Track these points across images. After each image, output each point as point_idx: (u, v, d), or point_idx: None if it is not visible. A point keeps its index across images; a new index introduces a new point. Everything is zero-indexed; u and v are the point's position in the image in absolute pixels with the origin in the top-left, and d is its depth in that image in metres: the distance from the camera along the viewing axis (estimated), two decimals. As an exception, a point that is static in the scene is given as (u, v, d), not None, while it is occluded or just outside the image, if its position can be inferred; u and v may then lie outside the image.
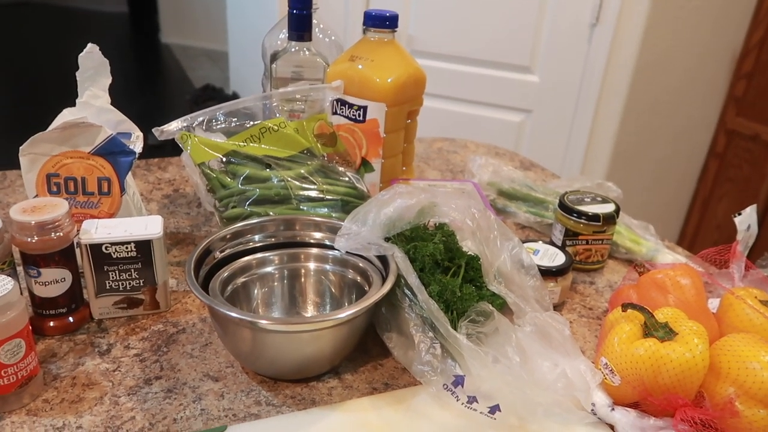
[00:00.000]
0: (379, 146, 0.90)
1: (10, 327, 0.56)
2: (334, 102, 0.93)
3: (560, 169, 2.12)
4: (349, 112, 0.91)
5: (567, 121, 2.04)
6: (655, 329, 0.61)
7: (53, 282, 0.67)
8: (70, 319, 0.70)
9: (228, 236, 0.71)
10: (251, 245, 0.72)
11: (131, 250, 0.69)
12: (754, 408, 0.56)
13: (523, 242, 0.83)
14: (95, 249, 0.68)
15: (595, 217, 0.86)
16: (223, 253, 0.70)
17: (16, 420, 0.58)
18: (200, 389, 0.63)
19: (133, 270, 0.71)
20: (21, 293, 0.59)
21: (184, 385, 0.64)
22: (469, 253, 0.71)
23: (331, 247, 0.73)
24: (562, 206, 0.89)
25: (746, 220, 0.73)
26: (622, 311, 0.64)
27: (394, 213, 0.68)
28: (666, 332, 0.60)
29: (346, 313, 0.60)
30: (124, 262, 0.70)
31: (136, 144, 0.80)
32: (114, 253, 0.69)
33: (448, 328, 0.58)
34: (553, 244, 0.84)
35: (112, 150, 0.76)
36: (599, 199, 0.91)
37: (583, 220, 0.87)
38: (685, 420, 0.57)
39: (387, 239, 0.70)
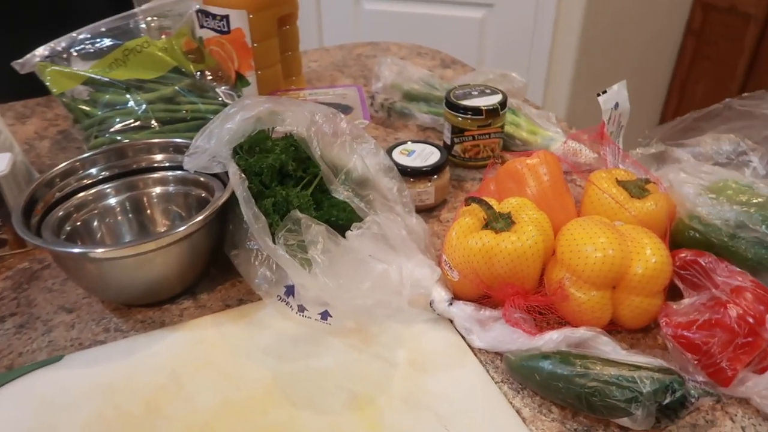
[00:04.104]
0: (249, 57, 0.86)
1: None
2: (198, 14, 0.87)
3: (527, 67, 2.02)
4: (214, 24, 0.86)
5: (530, 11, 1.92)
6: (494, 221, 0.59)
7: None
8: (-67, 264, 0.70)
9: (56, 179, 0.67)
10: (86, 182, 0.69)
11: (-23, 191, 0.68)
12: (584, 289, 0.55)
13: (402, 144, 0.80)
14: (-62, 193, 0.67)
15: (477, 111, 0.82)
16: (61, 193, 0.67)
17: None
18: (52, 322, 0.64)
19: (-15, 210, 0.70)
20: None
21: (37, 319, 0.64)
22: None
23: (171, 168, 0.71)
24: (448, 103, 0.85)
25: (612, 98, 0.69)
26: (465, 205, 0.62)
27: (235, 126, 0.65)
28: (505, 223, 0.58)
29: (173, 231, 0.58)
30: (-27, 203, 0.69)
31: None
32: (-40, 195, 0.68)
33: (266, 241, 0.56)
34: (432, 144, 0.80)
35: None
36: (488, 91, 0.86)
37: (468, 115, 0.83)
38: (515, 307, 0.56)
39: (236, 154, 0.67)
